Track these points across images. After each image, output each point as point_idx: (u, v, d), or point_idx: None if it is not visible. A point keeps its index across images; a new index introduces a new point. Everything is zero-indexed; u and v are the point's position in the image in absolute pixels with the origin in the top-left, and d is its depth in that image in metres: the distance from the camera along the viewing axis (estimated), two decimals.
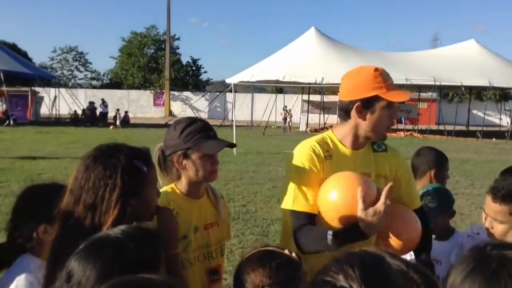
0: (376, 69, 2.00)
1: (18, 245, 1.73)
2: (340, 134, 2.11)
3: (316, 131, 25.04)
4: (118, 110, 29.56)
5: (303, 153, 2.05)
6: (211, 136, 1.94)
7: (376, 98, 1.97)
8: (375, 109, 1.99)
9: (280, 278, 1.44)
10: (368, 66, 2.04)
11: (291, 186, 2.02)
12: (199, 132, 1.92)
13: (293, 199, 2.00)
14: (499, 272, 0.94)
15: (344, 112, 2.06)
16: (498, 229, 1.98)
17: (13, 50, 36.73)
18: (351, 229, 1.78)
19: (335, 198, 1.84)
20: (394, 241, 1.91)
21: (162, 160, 1.99)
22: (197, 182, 1.99)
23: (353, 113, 2.02)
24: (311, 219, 1.96)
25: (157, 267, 1.13)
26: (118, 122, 27.42)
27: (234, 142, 13.96)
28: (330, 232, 1.78)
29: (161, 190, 2.00)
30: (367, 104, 1.99)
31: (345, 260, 1.12)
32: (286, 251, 1.60)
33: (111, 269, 1.05)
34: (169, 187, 2.02)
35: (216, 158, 1.97)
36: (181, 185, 2.01)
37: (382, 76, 1.99)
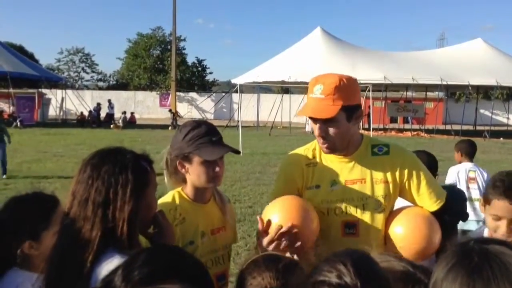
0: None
1: (3, 259, 1.68)
2: None
3: None
4: (124, 112, 30.20)
5: (283, 164, 2.18)
6: (213, 142, 1.90)
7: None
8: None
9: (286, 279, 1.45)
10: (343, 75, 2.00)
11: (272, 191, 2.19)
12: (202, 137, 1.89)
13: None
14: (481, 265, 0.93)
15: None
16: (503, 226, 1.98)
17: (20, 52, 37.03)
18: None
19: (276, 222, 1.82)
20: (404, 252, 1.84)
21: (170, 163, 1.97)
22: (201, 186, 1.97)
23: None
24: None
25: None
26: (120, 122, 27.94)
27: (240, 142, 13.97)
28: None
29: (167, 194, 1.99)
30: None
31: (336, 259, 1.13)
32: (288, 255, 1.64)
33: None
34: (176, 192, 2.00)
35: (218, 163, 1.92)
36: (187, 190, 1.99)
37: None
